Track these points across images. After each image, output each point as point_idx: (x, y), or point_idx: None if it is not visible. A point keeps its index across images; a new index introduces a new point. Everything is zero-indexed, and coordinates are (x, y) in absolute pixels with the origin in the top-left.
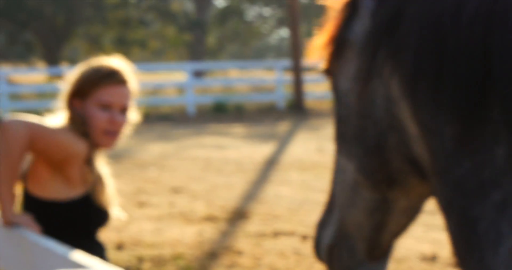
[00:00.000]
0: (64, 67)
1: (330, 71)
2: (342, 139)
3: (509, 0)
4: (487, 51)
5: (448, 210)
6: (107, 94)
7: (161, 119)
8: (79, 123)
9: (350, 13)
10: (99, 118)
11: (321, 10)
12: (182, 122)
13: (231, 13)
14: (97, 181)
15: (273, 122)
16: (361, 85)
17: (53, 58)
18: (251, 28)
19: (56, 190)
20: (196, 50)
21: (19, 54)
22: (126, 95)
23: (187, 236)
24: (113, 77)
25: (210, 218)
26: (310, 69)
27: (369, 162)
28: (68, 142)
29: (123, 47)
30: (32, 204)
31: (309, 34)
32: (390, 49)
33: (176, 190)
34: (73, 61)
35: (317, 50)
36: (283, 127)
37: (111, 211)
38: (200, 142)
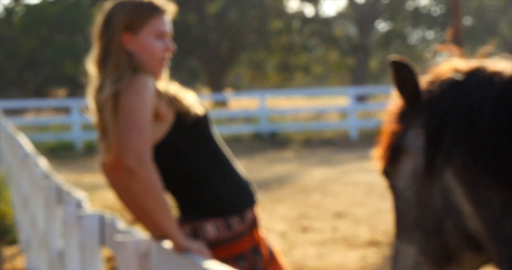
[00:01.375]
0: (228, 94)
1: (388, 173)
2: (403, 227)
3: None
4: None
5: (501, 262)
6: (160, 23)
7: (324, 143)
8: (133, 61)
9: (403, 123)
10: (158, 47)
11: (484, 33)
12: (344, 147)
13: (394, 37)
14: (176, 98)
15: None
16: (420, 182)
17: (217, 85)
18: (414, 52)
19: (158, 132)
20: (358, 74)
21: (184, 81)
22: (170, 23)
23: (350, 261)
24: (160, 7)
25: (373, 243)
26: None
27: (430, 244)
28: (152, 97)
29: (286, 72)
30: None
31: (473, 57)
32: (442, 148)
33: (339, 215)
34: (236, 87)
35: (378, 158)
36: None
37: (201, 110)
38: (363, 167)
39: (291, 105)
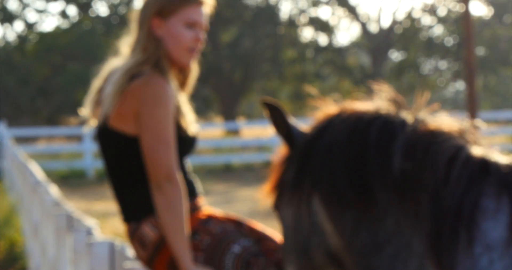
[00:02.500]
0: (240, 122)
1: (277, 206)
2: (286, 250)
3: (368, 132)
4: (364, 162)
5: None
6: (194, 13)
7: None
8: (160, 47)
9: (287, 164)
10: (186, 36)
11: (497, 64)
12: None
13: (407, 66)
14: (179, 111)
15: None
16: (296, 209)
17: (230, 113)
18: (426, 81)
19: None
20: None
21: (197, 109)
22: (206, 16)
23: None
24: None
25: None
26: (486, 121)
27: (300, 262)
28: (173, 105)
29: (299, 101)
30: (118, 140)
31: (486, 87)
32: (308, 181)
33: None
34: (249, 116)
35: (267, 195)
36: None
37: (194, 132)
38: None
39: None
